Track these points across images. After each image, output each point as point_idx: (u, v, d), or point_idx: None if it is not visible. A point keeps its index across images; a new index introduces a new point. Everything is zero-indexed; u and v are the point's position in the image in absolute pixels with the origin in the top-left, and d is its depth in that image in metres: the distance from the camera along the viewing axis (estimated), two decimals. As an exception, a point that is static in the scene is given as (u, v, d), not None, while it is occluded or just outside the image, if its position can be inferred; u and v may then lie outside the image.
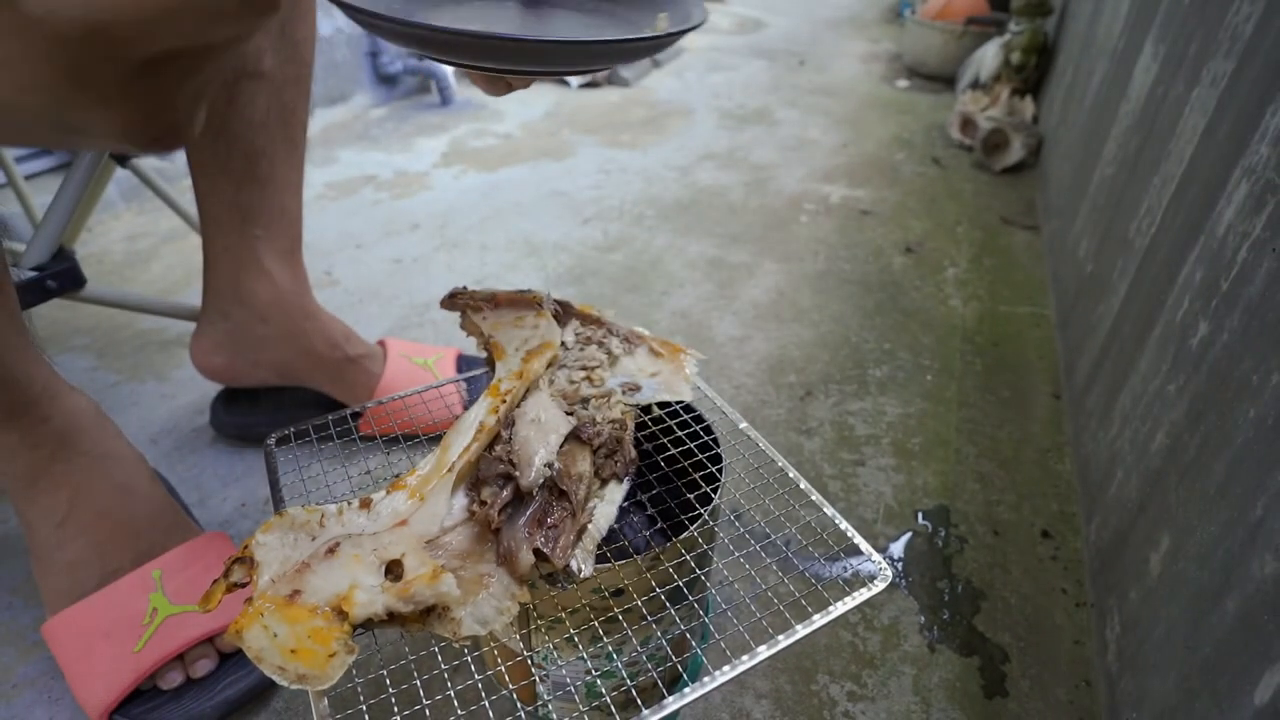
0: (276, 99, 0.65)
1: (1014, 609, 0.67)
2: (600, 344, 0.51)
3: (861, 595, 0.40)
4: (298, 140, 0.70)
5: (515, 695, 0.52)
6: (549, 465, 0.40)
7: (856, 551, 0.49)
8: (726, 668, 0.36)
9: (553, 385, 0.47)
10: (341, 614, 0.33)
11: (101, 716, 0.53)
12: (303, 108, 0.69)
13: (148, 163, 0.98)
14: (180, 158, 0.70)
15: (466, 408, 0.44)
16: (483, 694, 0.37)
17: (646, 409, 0.52)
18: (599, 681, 0.49)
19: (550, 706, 0.51)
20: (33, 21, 0.22)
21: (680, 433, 0.51)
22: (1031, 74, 1.72)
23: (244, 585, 0.35)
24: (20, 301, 0.58)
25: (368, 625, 0.33)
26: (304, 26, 0.65)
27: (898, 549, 0.73)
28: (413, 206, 1.37)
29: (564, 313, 0.54)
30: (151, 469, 0.63)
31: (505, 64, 0.37)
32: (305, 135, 0.71)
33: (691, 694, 0.35)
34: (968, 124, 1.65)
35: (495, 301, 0.54)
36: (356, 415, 0.74)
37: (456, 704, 0.37)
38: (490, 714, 0.38)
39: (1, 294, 0.55)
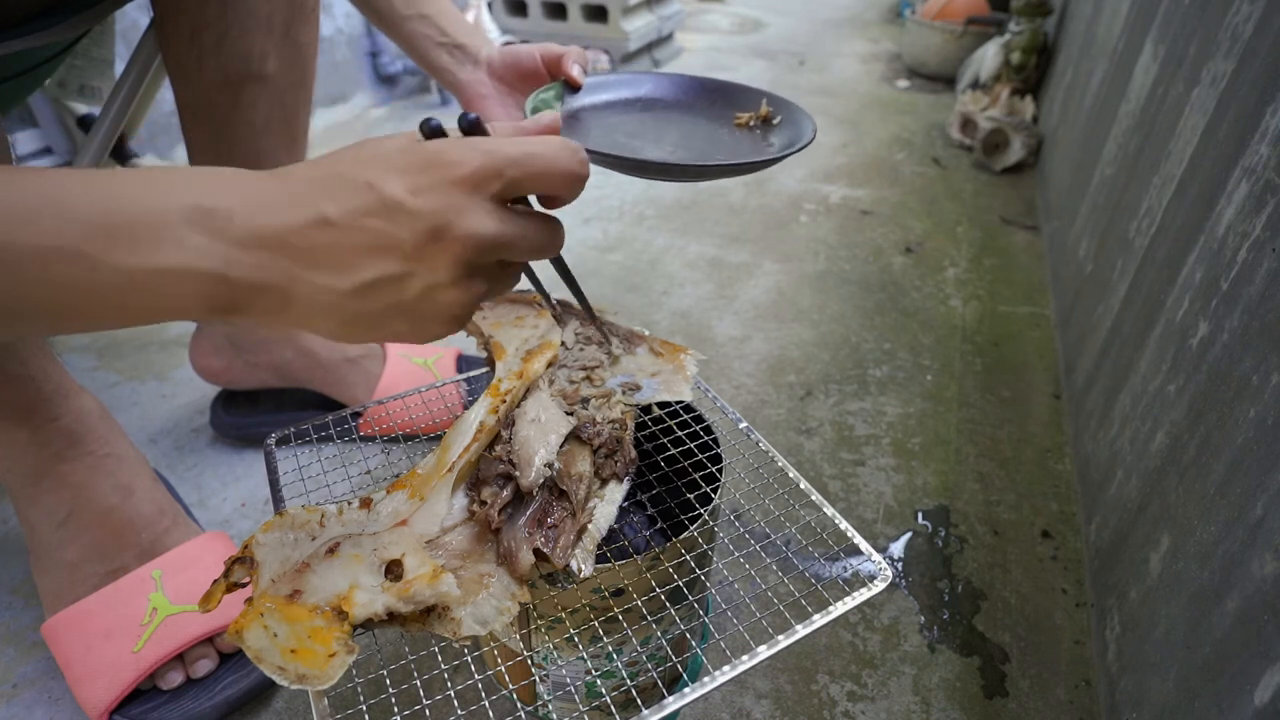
0: (279, 102, 0.65)
1: (1014, 609, 0.67)
2: (600, 344, 0.51)
3: (861, 595, 0.40)
4: (299, 142, 0.70)
5: (515, 695, 0.52)
6: (549, 465, 0.40)
7: (856, 551, 0.49)
8: (726, 668, 0.36)
9: (553, 385, 0.47)
10: (341, 614, 0.33)
11: (101, 716, 0.53)
12: (304, 110, 0.69)
13: (148, 163, 0.98)
14: (181, 154, 0.70)
15: (466, 408, 0.44)
16: (483, 694, 0.37)
17: (646, 409, 0.52)
18: (599, 681, 0.49)
19: (550, 706, 0.51)
20: (473, 234, 0.30)
21: (680, 433, 0.51)
22: (1031, 74, 1.71)
23: (244, 585, 0.35)
24: None
25: (368, 625, 0.33)
26: (308, 30, 0.65)
27: (898, 549, 0.73)
28: (413, 206, 1.36)
29: (564, 312, 0.54)
30: (152, 470, 0.64)
31: (670, 179, 0.49)
32: (307, 137, 0.71)
33: (691, 694, 0.35)
34: (968, 124, 1.65)
35: (496, 301, 0.54)
36: (356, 415, 0.74)
37: (456, 704, 0.37)
38: (490, 714, 0.38)
39: None
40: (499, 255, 0.32)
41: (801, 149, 0.48)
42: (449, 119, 0.33)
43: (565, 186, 0.33)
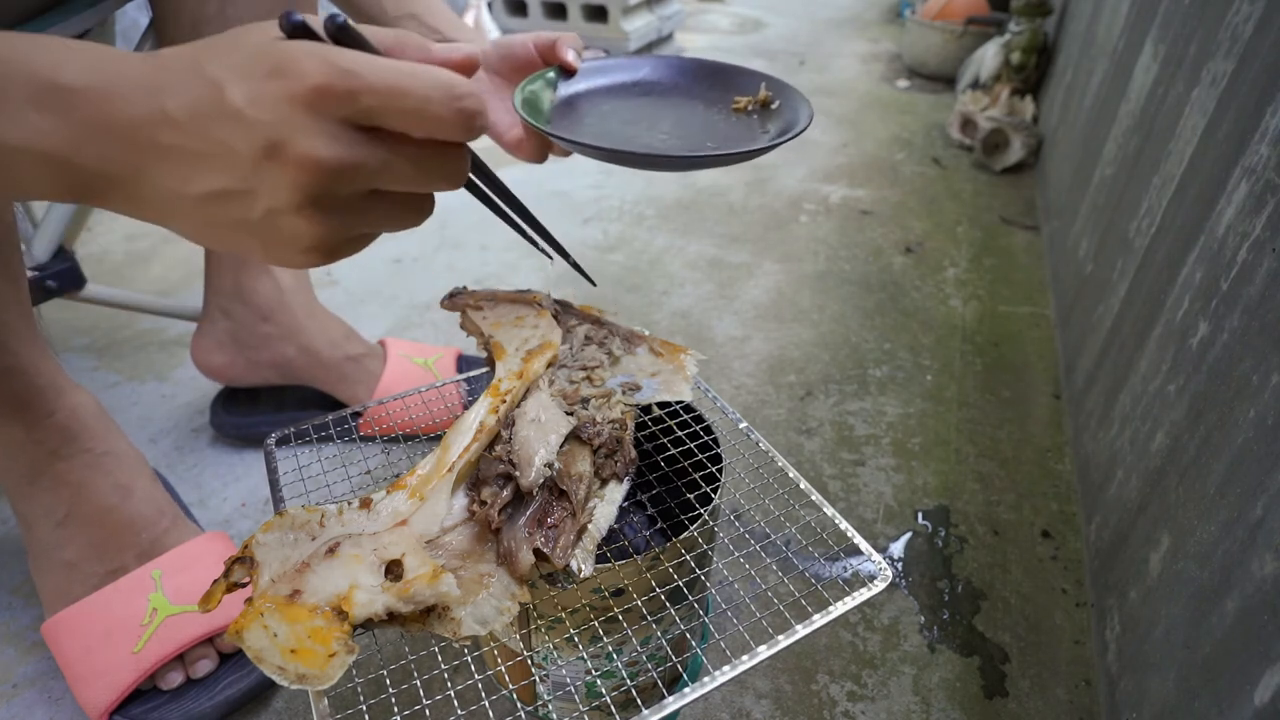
0: None
1: (1014, 609, 0.67)
2: (601, 344, 0.51)
3: (861, 595, 0.40)
4: None
5: (515, 695, 0.52)
6: (549, 465, 0.40)
7: (856, 551, 0.49)
8: (726, 668, 0.36)
9: (553, 385, 0.47)
10: (342, 614, 0.33)
11: (101, 717, 0.53)
12: None
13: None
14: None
15: (466, 408, 0.44)
16: (483, 694, 0.37)
17: (646, 409, 0.52)
18: (599, 681, 0.49)
19: (550, 706, 0.51)
20: (309, 158, 0.26)
21: (680, 433, 0.51)
22: (1031, 74, 1.71)
23: (244, 585, 0.35)
24: None
25: (368, 625, 0.33)
26: None
27: (898, 549, 0.73)
28: (413, 206, 1.36)
29: (564, 312, 0.54)
30: (151, 468, 0.63)
31: (664, 169, 0.49)
32: None
33: (691, 694, 0.35)
34: (968, 124, 1.65)
35: (496, 301, 0.54)
36: (356, 415, 0.74)
37: (456, 704, 0.37)
38: (490, 714, 0.38)
39: (16, 286, 0.55)
40: (358, 185, 0.28)
41: (795, 136, 0.47)
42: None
43: (439, 129, 0.28)
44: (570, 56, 0.53)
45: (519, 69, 0.58)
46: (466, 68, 0.32)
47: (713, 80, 0.55)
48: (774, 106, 0.52)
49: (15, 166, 0.26)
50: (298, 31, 0.28)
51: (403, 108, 0.27)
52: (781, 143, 0.46)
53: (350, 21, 0.28)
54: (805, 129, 0.47)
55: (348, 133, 0.27)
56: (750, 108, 0.53)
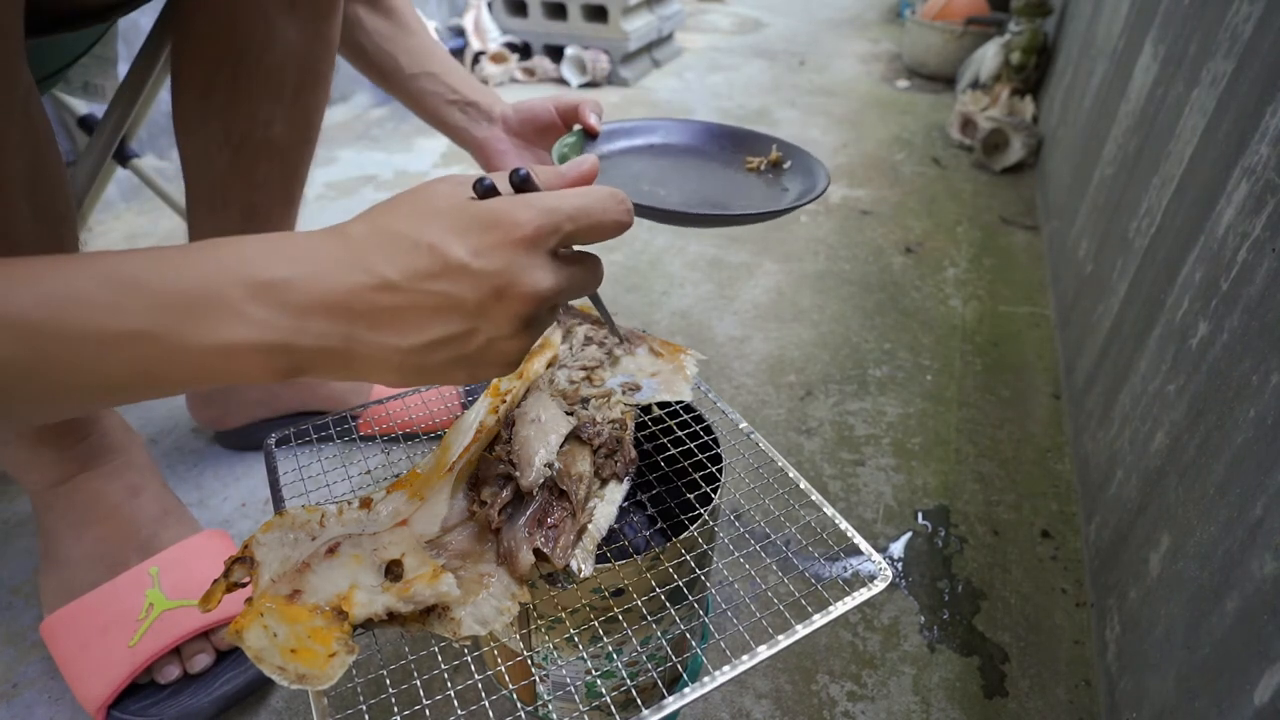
0: (279, 161, 0.65)
1: (1014, 609, 0.67)
2: (601, 344, 0.51)
3: (861, 595, 0.40)
4: (295, 196, 0.70)
5: (515, 695, 0.52)
6: (549, 465, 0.40)
7: (856, 551, 0.49)
8: (726, 668, 0.36)
9: (553, 385, 0.47)
10: (342, 614, 0.33)
11: (99, 711, 0.54)
12: (305, 167, 0.69)
13: (148, 163, 0.98)
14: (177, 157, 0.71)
15: (466, 408, 0.44)
16: (483, 694, 0.37)
17: (646, 409, 0.52)
18: (599, 681, 0.49)
19: (550, 706, 0.51)
20: (534, 290, 0.31)
21: (680, 433, 0.51)
22: (1031, 74, 1.71)
23: (244, 585, 0.35)
24: None
25: (368, 625, 0.33)
26: (317, 93, 0.64)
27: (898, 549, 0.73)
28: (413, 206, 1.36)
29: (564, 312, 0.54)
30: (162, 477, 0.65)
31: (699, 227, 0.56)
32: (304, 188, 0.71)
33: (691, 694, 0.35)
34: (968, 124, 1.65)
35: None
36: (356, 415, 0.74)
37: (456, 704, 0.37)
38: (490, 714, 0.38)
39: None
40: (558, 301, 0.33)
41: (818, 196, 0.51)
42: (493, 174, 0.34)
43: (613, 234, 0.34)
44: (593, 120, 0.57)
45: (541, 130, 0.60)
46: (593, 175, 0.37)
47: (723, 142, 0.59)
48: (786, 166, 0.56)
49: (237, 362, 0.28)
50: (489, 192, 0.33)
51: (592, 223, 0.33)
52: (811, 200, 0.51)
53: (530, 174, 0.34)
54: (825, 189, 0.52)
55: (553, 261, 0.32)
56: (763, 167, 0.57)
